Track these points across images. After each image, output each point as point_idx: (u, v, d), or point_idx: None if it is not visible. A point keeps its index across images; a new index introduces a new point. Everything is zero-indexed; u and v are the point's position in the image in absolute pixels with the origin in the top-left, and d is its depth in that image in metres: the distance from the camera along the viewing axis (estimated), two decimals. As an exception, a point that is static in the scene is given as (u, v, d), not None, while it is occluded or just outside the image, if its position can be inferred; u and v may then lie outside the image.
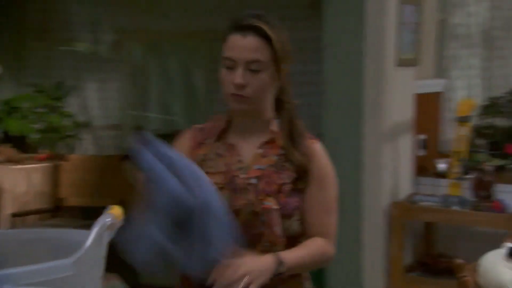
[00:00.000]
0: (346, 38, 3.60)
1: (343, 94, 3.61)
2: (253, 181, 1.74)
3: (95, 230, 1.27)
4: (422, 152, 3.93)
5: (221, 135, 1.80)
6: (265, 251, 1.71)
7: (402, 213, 3.56)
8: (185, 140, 1.84)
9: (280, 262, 1.67)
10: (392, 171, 3.66)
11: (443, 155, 4.02)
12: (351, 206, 3.49)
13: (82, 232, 1.33)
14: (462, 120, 3.50)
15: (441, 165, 3.89)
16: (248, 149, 1.80)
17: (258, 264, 1.64)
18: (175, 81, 5.56)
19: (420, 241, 3.83)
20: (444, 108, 4.20)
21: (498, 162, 3.95)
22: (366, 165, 3.57)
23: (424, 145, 3.95)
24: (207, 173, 1.69)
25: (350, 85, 3.59)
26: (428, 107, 4.00)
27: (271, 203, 1.72)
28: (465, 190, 3.50)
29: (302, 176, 1.76)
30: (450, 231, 3.79)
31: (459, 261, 2.17)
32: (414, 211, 3.58)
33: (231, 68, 1.72)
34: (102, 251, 1.30)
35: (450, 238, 3.79)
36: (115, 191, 4.19)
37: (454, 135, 3.62)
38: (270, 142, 1.79)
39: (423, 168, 3.92)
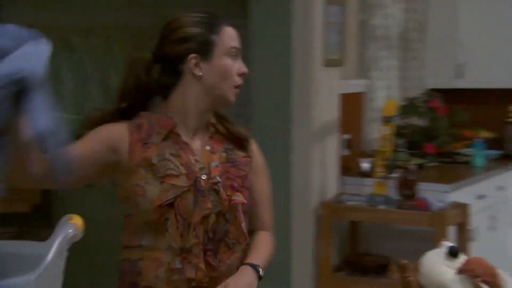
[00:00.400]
0: (273, 38, 3.58)
1: (271, 94, 3.59)
2: (218, 179, 1.69)
3: (56, 243, 1.16)
4: (346, 152, 3.97)
5: (170, 134, 1.70)
6: (229, 249, 1.70)
7: (330, 213, 3.58)
8: (122, 133, 1.67)
9: (258, 270, 1.69)
10: (320, 171, 3.67)
11: (367, 155, 4.08)
12: (279, 207, 3.46)
13: (36, 244, 1.22)
14: (387, 120, 3.55)
15: (365, 165, 3.94)
16: (198, 146, 1.74)
17: (244, 282, 1.65)
18: (90, 80, 5.36)
19: (346, 240, 3.86)
20: (366, 108, 4.27)
21: (418, 161, 4.06)
22: (294, 165, 3.56)
23: (348, 144, 3.99)
24: (168, 176, 1.63)
25: (278, 85, 3.57)
26: (351, 107, 4.04)
27: (240, 198, 1.70)
28: (390, 189, 3.56)
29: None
30: (375, 229, 3.85)
31: (403, 261, 2.18)
32: (342, 211, 3.61)
33: (235, 58, 1.69)
34: (63, 265, 1.20)
35: (375, 237, 3.85)
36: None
37: (379, 135, 3.67)
38: (212, 138, 1.76)
39: (347, 168, 3.96)
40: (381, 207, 3.49)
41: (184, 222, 1.63)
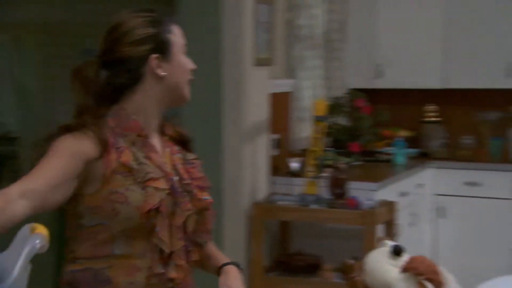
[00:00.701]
0: (204, 37, 3.53)
1: (202, 94, 3.52)
2: (188, 180, 1.68)
3: (24, 255, 1.07)
4: (275, 152, 3.97)
5: (137, 136, 1.65)
6: (199, 248, 1.70)
7: (262, 213, 3.57)
8: (89, 141, 1.57)
9: (241, 268, 1.77)
10: (251, 172, 3.65)
11: (295, 154, 4.10)
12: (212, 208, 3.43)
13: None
14: (318, 120, 3.57)
15: (294, 164, 3.96)
16: (159, 148, 1.70)
17: (239, 281, 1.72)
18: (2, 80, 5.12)
19: (277, 241, 3.86)
20: (293, 108, 4.28)
21: (344, 160, 4.11)
22: (226, 166, 3.53)
23: (277, 144, 3.99)
24: (150, 180, 1.59)
25: (209, 85, 3.52)
26: (279, 107, 4.05)
27: (209, 197, 1.71)
28: (321, 189, 3.59)
29: None
30: (306, 229, 3.86)
31: (349, 261, 2.19)
32: (274, 211, 3.60)
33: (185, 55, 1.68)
34: (27, 279, 1.11)
35: (306, 236, 3.86)
36: None
37: (306, 134, 3.69)
38: (164, 139, 1.73)
39: (277, 168, 3.96)
40: (313, 206, 3.51)
41: (169, 225, 1.61)
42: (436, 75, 4.94)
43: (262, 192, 3.74)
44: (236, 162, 3.55)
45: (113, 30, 1.64)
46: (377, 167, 4.43)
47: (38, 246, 1.10)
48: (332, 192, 3.53)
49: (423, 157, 4.89)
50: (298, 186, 3.71)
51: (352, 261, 2.18)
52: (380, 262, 2.25)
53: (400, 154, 4.54)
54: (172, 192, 1.62)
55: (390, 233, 3.56)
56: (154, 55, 1.62)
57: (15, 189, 1.37)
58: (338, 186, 3.52)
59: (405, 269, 2.17)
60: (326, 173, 3.59)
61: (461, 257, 4.64)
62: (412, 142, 4.85)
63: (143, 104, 1.65)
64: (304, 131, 4.29)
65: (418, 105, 5.21)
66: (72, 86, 1.64)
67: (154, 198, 1.58)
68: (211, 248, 1.79)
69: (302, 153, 4.13)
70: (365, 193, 3.63)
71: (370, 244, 3.32)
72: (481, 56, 4.80)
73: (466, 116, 5.10)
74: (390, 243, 2.36)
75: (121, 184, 1.57)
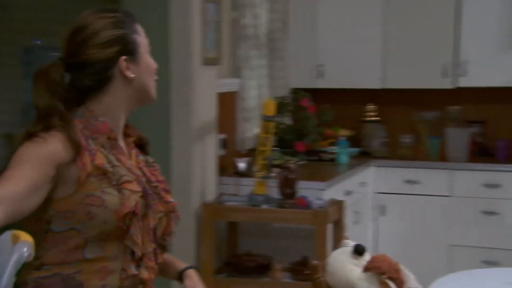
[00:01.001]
0: (151, 36, 3.44)
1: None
2: (156, 183, 1.68)
3: (12, 264, 1.00)
4: (222, 152, 3.93)
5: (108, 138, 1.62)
6: (164, 250, 1.72)
7: (211, 214, 3.52)
8: (60, 145, 1.51)
9: (199, 271, 1.85)
10: (201, 172, 3.60)
11: (242, 154, 4.08)
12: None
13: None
14: (267, 120, 3.56)
15: (241, 164, 3.94)
16: (126, 150, 1.69)
17: (201, 283, 1.78)
18: None
19: (227, 242, 3.83)
20: (239, 107, 4.26)
21: (290, 159, 4.12)
22: (175, 167, 3.47)
23: (223, 144, 3.96)
24: (125, 182, 1.57)
25: (158, 85, 3.45)
26: (225, 107, 4.02)
27: (173, 200, 1.72)
28: (270, 189, 3.58)
29: None
30: (254, 229, 3.85)
31: (314, 262, 2.19)
32: (223, 212, 3.56)
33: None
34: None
35: (255, 237, 3.85)
36: None
37: (258, 134, 3.67)
38: (128, 141, 1.73)
39: (224, 168, 3.92)
40: (264, 206, 3.50)
41: (141, 228, 1.60)
42: (376, 76, 5.03)
43: (211, 192, 3.70)
44: (185, 162, 3.50)
45: (78, 32, 1.58)
46: (322, 167, 4.46)
47: (26, 254, 1.04)
48: (282, 192, 3.52)
49: (364, 156, 4.96)
50: (245, 186, 3.70)
51: (317, 262, 2.18)
52: (343, 262, 2.26)
53: (343, 154, 4.59)
54: (144, 194, 1.61)
55: (339, 232, 3.59)
56: (123, 57, 1.59)
57: None
58: (288, 186, 3.52)
59: (368, 269, 2.19)
60: (275, 173, 3.58)
61: (401, 253, 4.72)
62: (353, 141, 4.91)
63: (111, 106, 1.62)
64: (250, 130, 4.28)
65: (358, 104, 5.29)
66: (35, 88, 1.58)
67: (130, 201, 1.56)
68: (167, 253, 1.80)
69: (249, 153, 4.12)
70: (313, 192, 3.65)
71: (322, 244, 3.35)
72: (418, 57, 4.91)
73: (404, 115, 5.21)
74: (351, 243, 2.37)
75: (96, 187, 1.53)
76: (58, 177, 1.50)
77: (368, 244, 4.71)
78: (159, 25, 3.46)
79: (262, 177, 3.56)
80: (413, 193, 4.74)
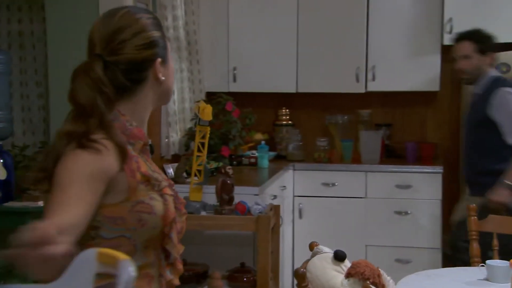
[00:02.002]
0: (81, 37, 3.27)
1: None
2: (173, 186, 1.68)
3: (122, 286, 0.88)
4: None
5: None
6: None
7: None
8: (110, 160, 1.43)
9: None
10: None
11: (167, 160, 3.95)
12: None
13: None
14: (203, 124, 3.47)
15: (169, 171, 3.81)
16: None
17: None
18: None
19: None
20: (163, 112, 4.13)
21: (215, 164, 4.05)
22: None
23: (151, 150, 3.80)
24: (164, 188, 1.57)
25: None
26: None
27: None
28: (206, 195, 3.49)
29: None
30: (189, 237, 3.72)
31: (301, 270, 2.14)
32: (160, 220, 3.42)
33: None
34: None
35: (190, 245, 3.72)
36: None
37: (196, 140, 3.57)
38: None
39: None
40: (203, 213, 3.41)
41: (175, 231, 1.59)
42: (290, 80, 5.07)
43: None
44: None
45: (119, 31, 1.53)
46: (246, 171, 4.43)
47: (132, 274, 0.93)
48: (220, 198, 3.45)
49: (280, 159, 4.99)
50: (180, 193, 3.57)
51: (303, 270, 2.14)
52: (324, 268, 2.25)
53: (264, 158, 4.58)
54: (174, 198, 1.62)
55: (276, 237, 3.56)
56: (159, 59, 1.57)
57: (51, 227, 1.18)
58: (226, 192, 3.45)
59: (351, 274, 2.19)
60: (211, 179, 3.50)
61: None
62: (267, 145, 4.91)
63: (139, 107, 1.59)
64: (175, 135, 4.16)
65: (272, 108, 5.31)
66: (76, 84, 1.47)
67: (171, 206, 1.56)
68: None
69: (174, 159, 4.00)
70: (247, 197, 3.60)
71: (265, 250, 3.30)
72: (332, 62, 5.00)
73: (318, 119, 5.29)
74: (325, 249, 2.36)
75: (145, 194, 1.50)
76: (108, 187, 1.44)
77: (288, 247, 4.73)
78: (87, 27, 3.28)
79: (197, 183, 3.46)
80: (330, 195, 4.82)
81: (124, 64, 1.53)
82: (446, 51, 5.00)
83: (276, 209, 3.62)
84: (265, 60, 5.05)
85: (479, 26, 4.64)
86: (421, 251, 4.75)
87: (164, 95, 1.64)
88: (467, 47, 3.81)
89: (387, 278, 2.22)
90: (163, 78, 1.59)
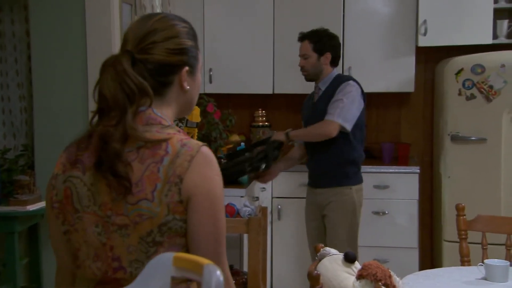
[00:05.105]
0: (68, 37, 3.21)
1: (69, 100, 3.21)
2: None
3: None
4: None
5: None
6: None
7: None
8: None
9: None
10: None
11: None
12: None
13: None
14: (192, 126, 3.44)
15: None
16: None
17: None
18: None
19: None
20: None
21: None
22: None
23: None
24: None
25: (76, 89, 3.21)
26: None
27: None
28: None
29: None
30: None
31: (315, 272, 2.13)
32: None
33: None
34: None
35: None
36: None
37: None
38: None
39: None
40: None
41: None
42: (267, 81, 5.06)
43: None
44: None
45: (153, 33, 1.53)
46: (227, 173, 4.39)
47: (221, 279, 0.90)
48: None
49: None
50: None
51: (316, 272, 2.13)
52: (335, 270, 2.24)
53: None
54: None
55: (264, 239, 3.54)
56: (186, 68, 1.57)
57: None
58: (214, 194, 3.41)
59: (362, 276, 2.19)
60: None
61: (297, 256, 4.81)
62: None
63: (165, 112, 1.57)
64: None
65: (248, 109, 5.29)
66: (101, 77, 1.48)
67: None
68: None
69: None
70: (233, 199, 3.59)
71: (255, 252, 3.28)
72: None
73: (295, 120, 5.29)
74: (332, 251, 2.35)
75: None
76: None
77: (268, 248, 4.72)
78: (75, 28, 3.23)
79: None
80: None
81: (152, 64, 1.52)
82: (420, 52, 5.09)
83: (264, 211, 3.60)
84: (241, 61, 5.03)
85: (454, 28, 4.76)
86: (399, 251, 4.80)
87: (187, 106, 1.63)
88: (306, 47, 3.90)
89: (397, 279, 2.23)
90: (187, 87, 1.59)
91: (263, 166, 3.84)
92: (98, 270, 1.46)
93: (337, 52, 3.94)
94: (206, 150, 1.48)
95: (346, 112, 3.72)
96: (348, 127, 3.73)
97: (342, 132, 3.75)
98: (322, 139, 3.74)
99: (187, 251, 1.42)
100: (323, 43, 3.88)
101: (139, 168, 1.42)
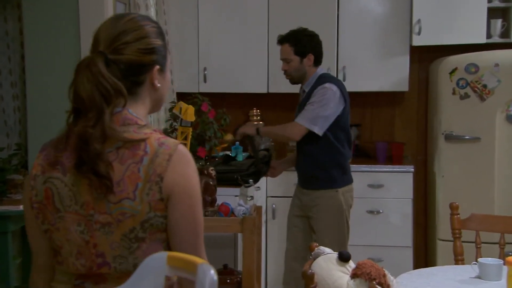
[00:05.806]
0: (62, 36, 3.20)
1: (63, 100, 3.19)
2: None
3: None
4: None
5: None
6: None
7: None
8: None
9: None
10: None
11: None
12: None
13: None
14: (186, 125, 3.43)
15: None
16: None
17: None
18: None
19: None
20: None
21: (209, 165, 4.00)
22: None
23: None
24: None
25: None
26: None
27: None
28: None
29: None
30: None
31: (309, 271, 2.13)
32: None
33: None
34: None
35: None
36: None
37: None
38: None
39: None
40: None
41: None
42: (261, 80, 5.06)
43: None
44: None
45: (125, 33, 1.56)
46: (222, 172, 4.38)
47: (215, 278, 0.89)
48: (203, 199, 3.39)
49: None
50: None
51: (311, 271, 2.12)
52: (329, 269, 2.24)
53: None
54: None
55: (258, 238, 3.54)
56: (157, 67, 1.61)
57: None
58: (208, 193, 3.41)
59: (357, 275, 2.19)
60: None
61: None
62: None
63: (139, 111, 1.62)
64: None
65: (242, 109, 5.29)
66: (76, 79, 1.51)
67: None
68: None
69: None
70: (228, 198, 3.58)
71: (250, 251, 3.28)
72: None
73: (289, 119, 5.24)
74: (326, 250, 2.35)
75: None
76: None
77: (262, 247, 4.71)
78: (69, 26, 3.22)
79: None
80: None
81: (124, 64, 1.55)
82: (414, 52, 5.10)
83: (259, 210, 3.60)
84: (235, 60, 5.03)
85: (448, 27, 4.76)
86: (393, 250, 4.81)
87: (158, 103, 1.67)
88: (286, 51, 3.84)
89: (391, 278, 2.23)
90: (158, 85, 1.62)
91: (251, 182, 3.87)
92: (82, 266, 1.51)
93: (319, 51, 3.89)
94: (182, 148, 1.54)
95: (315, 116, 3.68)
96: (318, 130, 3.70)
97: (324, 135, 3.72)
98: (287, 141, 3.75)
99: (168, 245, 1.48)
100: (303, 45, 3.81)
101: (119, 168, 1.46)
